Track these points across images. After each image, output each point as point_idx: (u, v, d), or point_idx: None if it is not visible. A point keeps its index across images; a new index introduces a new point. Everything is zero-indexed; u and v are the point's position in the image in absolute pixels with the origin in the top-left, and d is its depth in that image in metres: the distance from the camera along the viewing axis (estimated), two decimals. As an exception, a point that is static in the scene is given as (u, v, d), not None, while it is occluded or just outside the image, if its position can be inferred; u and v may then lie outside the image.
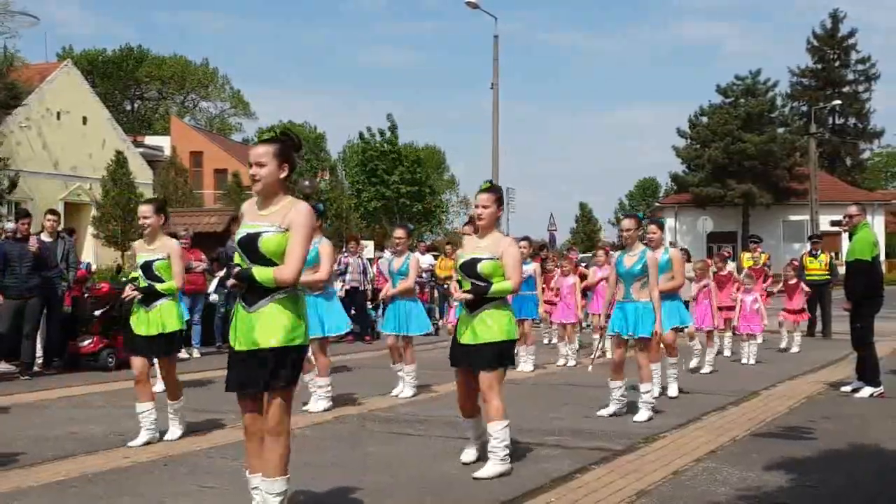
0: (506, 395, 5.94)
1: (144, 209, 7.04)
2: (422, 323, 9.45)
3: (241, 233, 4.49)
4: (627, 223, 8.19)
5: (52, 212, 11.64)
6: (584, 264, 17.09)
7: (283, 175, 4.42)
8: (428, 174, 44.66)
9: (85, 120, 42.51)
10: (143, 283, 6.96)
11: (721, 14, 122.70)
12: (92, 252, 41.74)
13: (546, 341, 15.38)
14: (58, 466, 6.12)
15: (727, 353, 13.70)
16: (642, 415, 8.00)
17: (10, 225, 11.98)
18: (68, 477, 5.81)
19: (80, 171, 41.58)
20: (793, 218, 48.24)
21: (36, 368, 11.01)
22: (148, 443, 6.84)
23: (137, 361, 6.95)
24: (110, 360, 11.33)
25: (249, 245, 4.41)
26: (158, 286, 6.86)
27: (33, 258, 10.45)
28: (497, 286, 5.85)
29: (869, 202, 53.61)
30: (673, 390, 9.44)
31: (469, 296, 5.88)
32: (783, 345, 14.82)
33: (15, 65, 28.99)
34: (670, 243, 16.48)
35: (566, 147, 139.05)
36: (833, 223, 18.34)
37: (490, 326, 5.81)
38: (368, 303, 16.73)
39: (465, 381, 6.03)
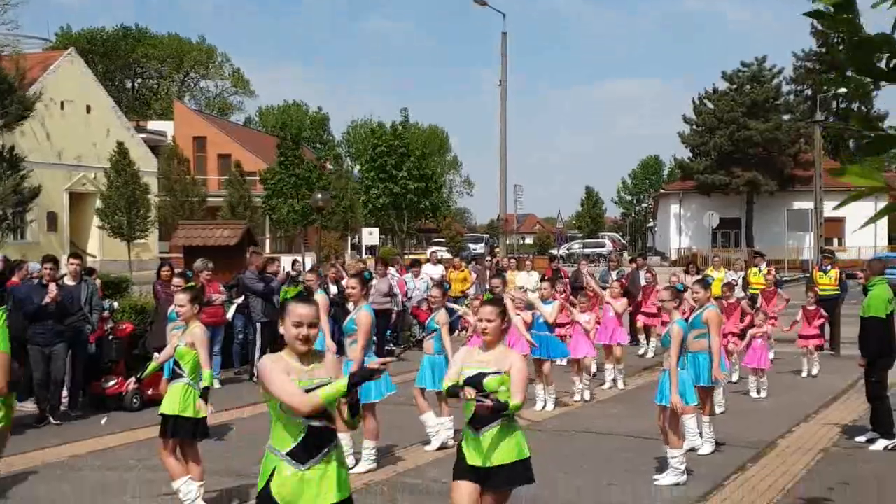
0: (529, 445, 5.63)
1: (181, 298, 7.22)
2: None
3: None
4: (664, 294, 8.39)
5: (75, 255, 11.74)
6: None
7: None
8: (434, 170, 44.82)
9: (89, 109, 42.47)
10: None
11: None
12: (98, 243, 41.93)
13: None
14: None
15: (734, 377, 13.79)
16: (667, 479, 8.21)
17: (33, 265, 12.08)
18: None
19: (85, 160, 41.64)
20: (797, 206, 48.28)
21: (62, 409, 11.19)
22: None
23: None
24: (135, 400, 11.50)
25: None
26: (203, 383, 7.06)
27: (56, 306, 10.56)
28: (512, 405, 5.47)
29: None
30: (705, 449, 9.51)
31: (472, 394, 5.45)
32: (804, 373, 14.97)
33: (21, 65, 28.91)
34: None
35: (564, 124, 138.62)
36: (849, 276, 18.47)
37: (503, 447, 5.52)
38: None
39: (467, 494, 5.58)
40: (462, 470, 5.56)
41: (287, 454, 4.31)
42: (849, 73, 2.90)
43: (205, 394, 7.07)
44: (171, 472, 7.20)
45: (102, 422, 10.76)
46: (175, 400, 7.01)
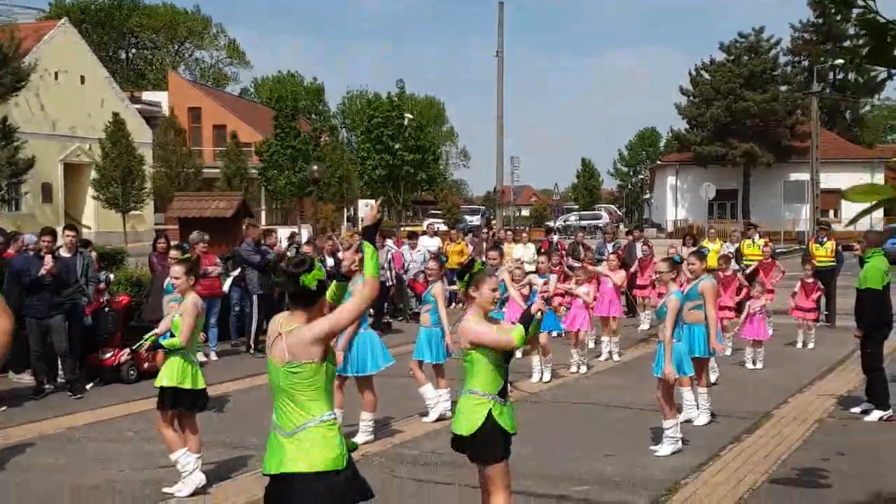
0: (527, 417, 5.77)
1: (176, 270, 7.20)
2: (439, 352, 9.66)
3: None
4: (662, 265, 8.41)
5: (71, 227, 11.69)
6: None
7: None
8: (432, 141, 44.57)
9: (83, 79, 42.21)
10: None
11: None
12: (93, 215, 41.81)
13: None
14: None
15: (727, 352, 13.75)
16: (664, 449, 8.29)
17: (29, 237, 12.02)
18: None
19: (79, 131, 41.44)
20: (793, 177, 48.25)
21: (59, 380, 11.21)
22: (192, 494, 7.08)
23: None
24: (132, 372, 11.50)
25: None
26: (163, 341, 7.07)
27: (52, 278, 10.54)
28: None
29: (868, 159, 53.68)
30: (702, 419, 9.55)
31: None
32: (799, 345, 15.01)
33: (15, 35, 28.68)
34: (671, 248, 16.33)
35: (561, 95, 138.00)
36: (845, 248, 18.45)
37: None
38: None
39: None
40: (508, 444, 5.43)
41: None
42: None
43: (155, 346, 7.11)
44: (169, 444, 7.22)
45: (88, 387, 10.89)
46: (173, 371, 7.01)
